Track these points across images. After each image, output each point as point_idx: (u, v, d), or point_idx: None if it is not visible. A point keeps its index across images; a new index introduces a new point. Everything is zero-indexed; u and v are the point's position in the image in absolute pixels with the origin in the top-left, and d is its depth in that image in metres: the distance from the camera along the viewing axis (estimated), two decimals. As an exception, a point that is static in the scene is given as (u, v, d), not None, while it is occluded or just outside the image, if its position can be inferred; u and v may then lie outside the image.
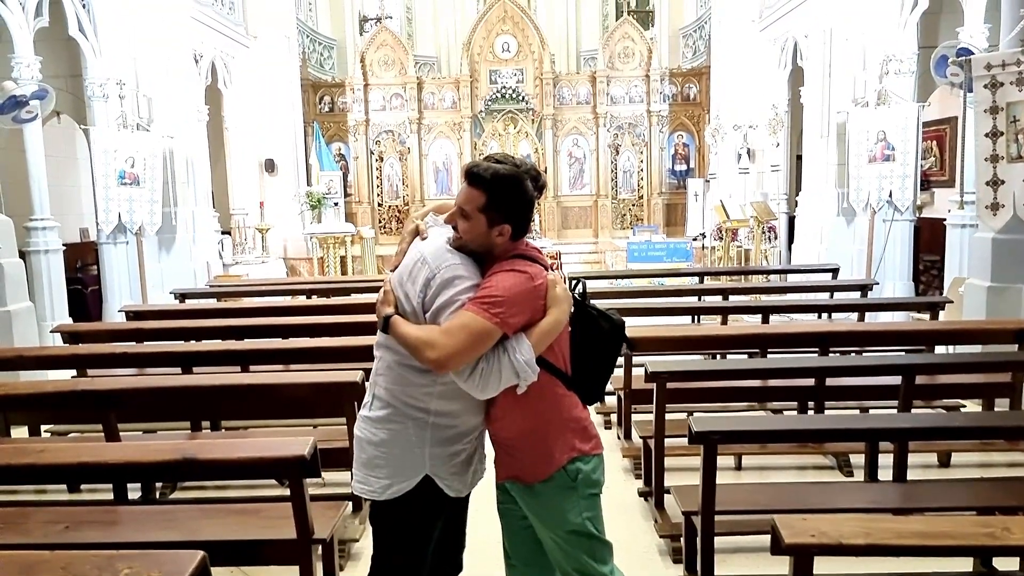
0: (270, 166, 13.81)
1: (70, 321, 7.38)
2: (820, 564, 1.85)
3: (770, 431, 2.96)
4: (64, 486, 4.08)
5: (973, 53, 5.25)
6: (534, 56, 15.67)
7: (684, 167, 15.93)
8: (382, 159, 15.89)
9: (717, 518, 2.77)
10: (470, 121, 15.76)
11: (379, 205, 15.88)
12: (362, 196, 15.73)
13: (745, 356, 5.29)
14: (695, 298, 6.93)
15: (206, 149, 11.06)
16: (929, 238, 8.69)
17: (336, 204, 13.52)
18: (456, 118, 15.80)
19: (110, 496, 3.56)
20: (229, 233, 12.46)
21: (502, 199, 1.99)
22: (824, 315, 6.39)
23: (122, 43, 9.07)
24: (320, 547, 2.68)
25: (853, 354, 4.94)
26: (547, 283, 2.02)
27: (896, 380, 3.66)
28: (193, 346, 4.61)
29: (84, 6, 8.61)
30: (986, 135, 4.93)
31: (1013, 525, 1.71)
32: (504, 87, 15.70)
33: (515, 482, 2.13)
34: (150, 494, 3.76)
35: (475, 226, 2.00)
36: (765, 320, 5.44)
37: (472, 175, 2.01)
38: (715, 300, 6.71)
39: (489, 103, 15.77)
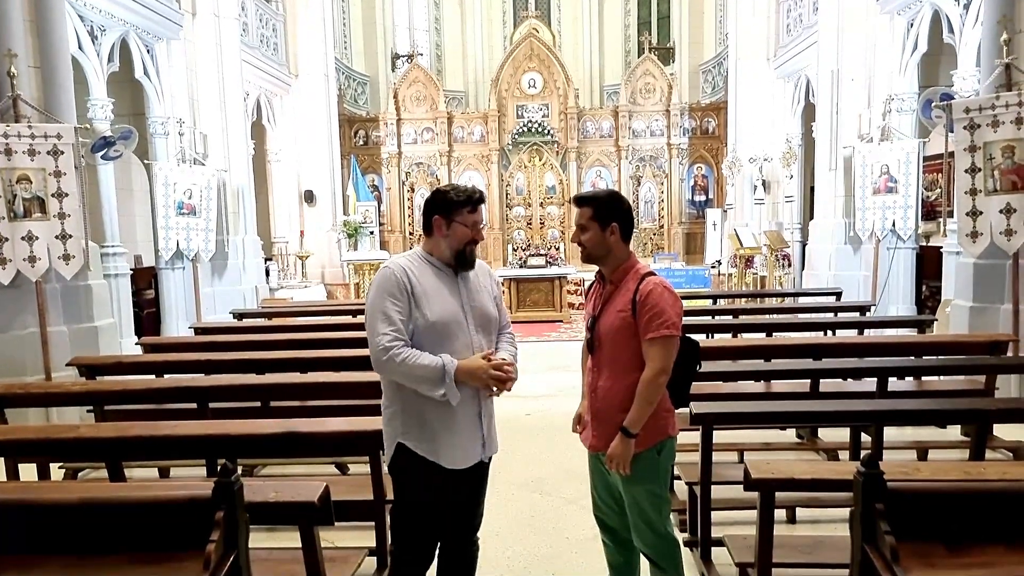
0: (309, 197, 14.62)
1: (135, 338, 8.15)
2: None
3: (757, 413, 3.52)
4: (155, 471, 4.73)
5: (954, 98, 5.84)
6: (559, 92, 16.43)
7: (703, 198, 16.51)
8: (413, 190, 16.65)
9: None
10: (498, 153, 16.52)
11: (411, 234, 16.60)
12: (395, 225, 16.53)
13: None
14: (709, 317, 7.50)
15: (252, 181, 11.88)
16: (935, 265, 9.16)
17: (371, 233, 14.31)
18: (484, 151, 16.57)
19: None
20: (272, 259, 13.25)
21: (603, 206, 2.65)
22: (829, 333, 6.91)
23: (181, 85, 9.95)
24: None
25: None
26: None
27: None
28: (262, 355, 5.28)
29: (148, 52, 9.50)
30: (965, 171, 5.50)
31: (922, 466, 2.26)
32: (530, 121, 16.44)
33: None
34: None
35: (593, 233, 2.64)
36: (768, 335, 6.02)
37: (577, 200, 2.72)
38: (727, 319, 7.28)
39: (516, 136, 16.50)
